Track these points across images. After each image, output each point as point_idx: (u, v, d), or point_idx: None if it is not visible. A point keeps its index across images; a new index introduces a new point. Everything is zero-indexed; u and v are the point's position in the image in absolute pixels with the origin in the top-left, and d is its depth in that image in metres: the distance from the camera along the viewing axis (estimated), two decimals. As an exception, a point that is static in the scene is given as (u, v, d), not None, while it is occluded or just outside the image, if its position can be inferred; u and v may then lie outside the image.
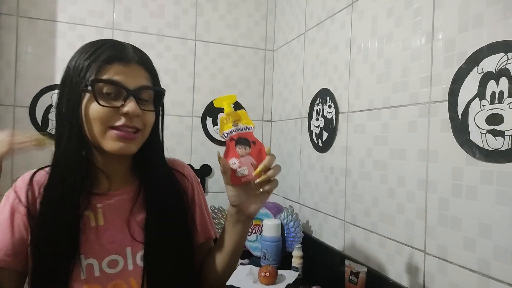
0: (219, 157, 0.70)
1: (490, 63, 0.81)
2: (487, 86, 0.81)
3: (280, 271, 1.38)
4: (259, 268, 1.36)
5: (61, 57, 1.64)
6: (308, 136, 1.62)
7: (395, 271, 1.09)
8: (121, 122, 0.67)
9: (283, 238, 1.57)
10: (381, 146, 1.15)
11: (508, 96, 0.77)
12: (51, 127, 1.62)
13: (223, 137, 0.70)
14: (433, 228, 0.96)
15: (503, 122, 0.78)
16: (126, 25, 1.76)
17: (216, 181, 1.92)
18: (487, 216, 0.82)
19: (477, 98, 0.83)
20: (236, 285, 1.27)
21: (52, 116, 1.62)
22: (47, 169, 0.73)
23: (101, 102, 0.66)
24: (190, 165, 1.62)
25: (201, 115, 1.91)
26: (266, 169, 0.68)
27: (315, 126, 1.56)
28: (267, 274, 1.30)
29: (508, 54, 0.77)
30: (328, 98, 1.46)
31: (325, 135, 1.47)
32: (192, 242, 0.82)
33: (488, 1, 0.83)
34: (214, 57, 1.93)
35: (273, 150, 2.01)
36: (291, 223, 1.58)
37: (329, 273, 1.36)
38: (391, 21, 1.13)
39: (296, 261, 1.43)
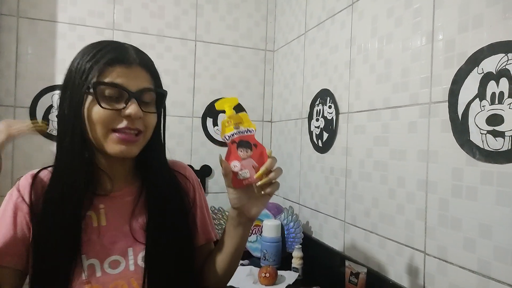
0: (220, 160, 0.70)
1: (490, 64, 0.81)
2: (487, 86, 0.81)
3: (280, 272, 1.38)
4: (259, 268, 1.36)
5: (61, 58, 1.65)
6: (308, 136, 1.62)
7: (395, 272, 1.09)
8: (123, 124, 0.68)
9: (283, 238, 1.57)
10: (381, 146, 1.15)
11: (508, 97, 0.77)
12: (51, 128, 1.63)
13: (224, 140, 0.70)
14: (433, 228, 0.95)
15: (503, 122, 0.78)
16: (126, 25, 1.76)
17: (216, 182, 1.92)
18: (487, 217, 0.82)
19: (477, 99, 0.83)
20: (236, 286, 1.27)
21: (52, 116, 1.62)
22: (50, 168, 0.74)
23: (103, 105, 0.66)
24: (190, 166, 1.62)
25: (201, 116, 1.91)
26: (268, 171, 0.68)
27: (315, 127, 1.56)
28: (267, 274, 1.30)
29: (508, 54, 0.77)
30: (328, 98, 1.46)
31: (325, 135, 1.47)
32: (193, 244, 0.82)
33: (488, 1, 0.83)
34: (214, 58, 1.94)
35: (273, 150, 2.01)
36: (291, 224, 1.58)
37: (329, 274, 1.35)
38: (391, 21, 1.13)
39: (296, 262, 1.43)
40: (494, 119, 0.79)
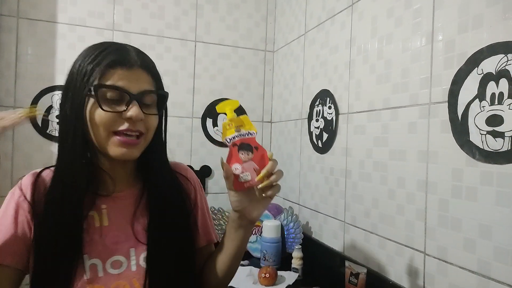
0: (222, 163, 0.70)
1: (490, 64, 0.81)
2: (487, 87, 0.81)
3: (280, 272, 1.38)
4: (259, 269, 1.36)
5: (61, 58, 1.64)
6: (308, 137, 1.62)
7: (395, 272, 1.09)
8: (124, 126, 0.68)
9: (283, 239, 1.57)
10: (381, 147, 1.15)
11: (508, 97, 0.77)
12: (51, 128, 1.63)
13: (225, 143, 0.70)
14: (433, 229, 0.96)
15: (503, 123, 0.78)
16: (126, 26, 1.76)
17: (216, 182, 1.92)
18: (487, 217, 0.82)
19: (477, 99, 0.83)
20: (236, 286, 1.27)
21: (52, 117, 1.63)
22: (52, 168, 0.74)
23: (104, 108, 0.66)
24: (190, 167, 1.62)
25: (201, 116, 1.91)
26: (269, 174, 0.69)
27: (315, 127, 1.56)
28: (267, 275, 1.30)
29: (508, 55, 0.77)
30: (328, 99, 1.46)
31: (325, 136, 1.47)
32: (194, 245, 0.82)
33: (488, 1, 0.83)
34: (214, 58, 1.94)
35: (273, 151, 2.01)
36: (291, 224, 1.58)
37: (329, 274, 1.35)
38: (391, 22, 1.13)
39: (296, 262, 1.43)
40: (494, 120, 0.80)
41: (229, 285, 0.86)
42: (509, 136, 0.77)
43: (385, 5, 1.16)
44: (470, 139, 0.85)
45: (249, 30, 2.00)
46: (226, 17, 1.95)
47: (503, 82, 0.78)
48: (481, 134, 0.82)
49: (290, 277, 1.38)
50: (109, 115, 0.67)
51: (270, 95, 2.06)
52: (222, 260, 0.80)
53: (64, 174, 0.70)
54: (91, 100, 0.67)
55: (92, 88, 0.66)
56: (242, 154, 0.70)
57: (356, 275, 1.12)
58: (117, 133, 0.68)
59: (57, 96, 1.63)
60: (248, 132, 0.70)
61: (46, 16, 1.63)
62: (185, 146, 1.88)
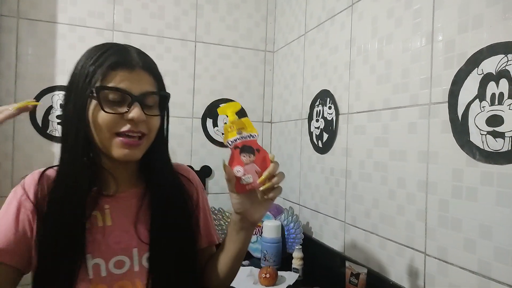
0: (224, 165, 0.70)
1: (490, 65, 0.81)
2: (487, 87, 0.81)
3: (280, 273, 1.38)
4: (259, 269, 1.36)
5: (62, 58, 1.64)
6: (308, 137, 1.62)
7: (395, 273, 1.09)
8: (126, 128, 0.68)
9: (283, 239, 1.57)
10: (381, 147, 1.15)
11: (508, 98, 0.77)
12: (52, 128, 1.63)
13: (227, 145, 0.71)
14: (434, 229, 0.96)
15: (503, 123, 0.78)
16: (126, 26, 1.76)
17: (216, 182, 1.92)
18: (488, 218, 0.82)
19: (477, 100, 0.83)
20: (236, 287, 1.27)
21: (52, 117, 1.63)
22: (56, 167, 0.74)
23: (106, 109, 0.67)
24: (191, 167, 1.62)
25: (201, 117, 1.91)
26: (271, 176, 0.69)
27: (315, 127, 1.56)
28: (267, 275, 1.30)
29: (508, 55, 0.77)
30: (328, 99, 1.46)
31: (325, 136, 1.47)
32: (196, 246, 0.83)
33: (488, 1, 0.83)
34: (214, 59, 1.94)
35: (273, 151, 2.02)
36: (291, 224, 1.58)
37: (330, 275, 1.35)
38: (391, 22, 1.13)
39: (296, 263, 1.43)
40: (494, 120, 0.79)
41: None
42: (509, 137, 0.77)
43: (385, 5, 1.16)
44: (471, 140, 0.85)
45: (249, 30, 2.00)
46: (226, 17, 1.95)
47: (503, 83, 0.78)
48: (482, 135, 0.82)
49: (290, 277, 1.38)
50: (111, 116, 0.67)
51: (270, 95, 2.06)
52: (223, 261, 0.81)
53: (67, 174, 0.70)
54: (93, 102, 0.68)
55: (94, 90, 0.66)
56: (244, 156, 0.70)
57: (357, 276, 1.12)
58: (119, 134, 0.69)
59: (57, 96, 1.63)
60: (250, 135, 0.70)
61: (46, 16, 1.63)
62: (185, 146, 1.88)
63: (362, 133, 1.25)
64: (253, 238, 1.63)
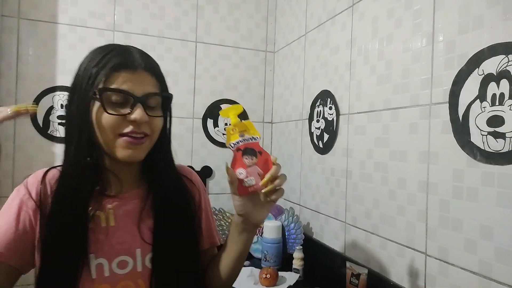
0: (227, 168, 0.71)
1: (490, 65, 0.81)
2: (488, 88, 0.81)
3: (281, 273, 1.38)
4: (259, 270, 1.36)
5: (62, 59, 1.65)
6: (308, 137, 1.62)
7: (396, 273, 1.09)
8: (128, 129, 0.69)
9: (284, 239, 1.57)
10: (381, 147, 1.15)
11: (509, 98, 0.77)
12: (52, 129, 1.63)
13: (229, 147, 0.71)
14: (434, 230, 0.95)
15: (504, 124, 0.78)
16: (127, 26, 1.76)
17: (216, 183, 1.92)
18: (488, 218, 0.82)
19: (478, 100, 0.83)
20: (236, 287, 1.27)
21: (53, 117, 1.63)
22: (59, 167, 0.75)
23: (109, 111, 0.67)
24: (191, 167, 1.62)
25: (201, 117, 1.91)
26: (273, 178, 0.69)
27: (315, 128, 1.56)
28: (268, 276, 1.30)
29: (509, 56, 0.77)
30: (328, 99, 1.46)
31: (326, 136, 1.47)
32: (199, 247, 0.83)
33: (488, 2, 0.83)
34: (215, 59, 1.94)
35: (274, 151, 2.02)
36: (292, 225, 1.58)
37: (330, 275, 1.35)
38: (392, 22, 1.13)
39: (297, 263, 1.43)
40: (495, 121, 0.79)
41: (230, 286, 0.87)
42: (510, 137, 0.77)
43: (386, 5, 1.16)
44: (471, 140, 0.85)
45: (249, 30, 2.00)
46: (226, 17, 1.96)
47: (504, 83, 0.78)
48: (482, 135, 0.82)
49: (291, 277, 1.38)
50: (114, 118, 0.68)
51: (270, 95, 2.06)
52: (225, 263, 0.81)
53: (70, 175, 0.70)
54: (97, 103, 0.68)
55: (97, 92, 0.67)
56: (246, 158, 0.70)
57: (357, 276, 1.12)
58: (122, 135, 0.69)
59: (58, 96, 1.63)
60: (252, 137, 0.71)
61: (47, 17, 1.63)
62: (186, 146, 1.88)
63: (363, 134, 1.25)
64: (254, 238, 1.63)
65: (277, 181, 0.69)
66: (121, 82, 0.68)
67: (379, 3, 1.19)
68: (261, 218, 0.76)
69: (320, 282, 1.33)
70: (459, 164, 0.89)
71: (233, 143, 0.71)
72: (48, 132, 1.62)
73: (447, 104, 0.92)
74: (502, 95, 0.78)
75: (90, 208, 0.70)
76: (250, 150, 0.70)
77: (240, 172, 0.70)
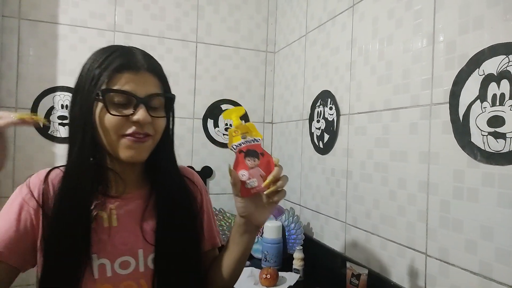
0: (230, 170, 0.71)
1: (491, 65, 0.81)
2: (488, 88, 0.81)
3: (281, 273, 1.38)
4: (260, 270, 1.36)
5: (63, 59, 1.65)
6: (309, 138, 1.62)
7: (396, 273, 1.09)
8: (131, 129, 0.69)
9: (284, 240, 1.57)
10: (382, 148, 1.15)
11: (509, 98, 0.77)
12: (53, 129, 1.63)
13: (232, 149, 0.72)
14: (435, 230, 0.95)
15: (504, 124, 0.78)
16: (128, 27, 1.77)
17: (217, 183, 1.92)
18: (489, 219, 0.82)
19: (479, 100, 0.83)
20: (236, 287, 1.27)
21: (53, 118, 1.63)
22: (62, 168, 0.75)
23: (112, 112, 0.68)
24: (191, 167, 1.62)
25: (202, 117, 1.91)
26: (275, 180, 0.70)
27: (316, 128, 1.56)
28: (268, 276, 1.30)
29: (509, 56, 0.77)
30: (329, 100, 1.46)
31: (326, 137, 1.47)
32: (200, 247, 0.83)
33: (488, 2, 0.83)
34: (215, 59, 1.94)
35: (274, 152, 2.02)
36: (292, 225, 1.58)
37: (330, 275, 1.35)
38: (392, 23, 1.13)
39: (297, 263, 1.42)
40: (495, 121, 0.79)
41: (230, 286, 0.87)
42: (510, 137, 0.77)
43: (386, 6, 1.16)
44: (472, 140, 0.85)
45: (250, 31, 2.00)
46: (227, 18, 1.96)
47: (505, 83, 0.78)
48: (483, 135, 0.82)
49: (291, 278, 1.38)
50: (117, 118, 0.68)
51: (271, 96, 2.06)
52: (227, 264, 0.81)
53: (73, 175, 0.71)
54: (100, 104, 0.68)
55: (100, 93, 0.67)
56: (249, 160, 0.71)
57: (357, 276, 1.12)
58: (125, 135, 0.69)
59: (58, 97, 1.63)
60: (254, 139, 0.71)
61: (48, 17, 1.63)
62: (186, 147, 1.88)
63: (363, 134, 1.25)
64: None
65: (279, 183, 0.70)
66: (124, 83, 0.68)
67: (380, 3, 1.19)
68: (263, 219, 0.76)
69: (320, 282, 1.33)
70: (460, 164, 0.89)
71: (235, 145, 0.71)
72: (49, 132, 1.62)
73: (448, 105, 0.92)
74: (502, 95, 0.78)
75: (92, 208, 0.70)
76: (252, 152, 0.71)
77: (243, 174, 0.71)
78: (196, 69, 1.90)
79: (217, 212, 1.71)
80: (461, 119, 0.88)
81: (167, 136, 0.79)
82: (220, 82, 1.95)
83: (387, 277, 1.12)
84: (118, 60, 0.69)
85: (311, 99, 1.61)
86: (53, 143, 1.63)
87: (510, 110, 0.77)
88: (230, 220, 1.70)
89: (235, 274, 0.83)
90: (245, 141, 0.71)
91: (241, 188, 0.71)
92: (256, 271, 1.40)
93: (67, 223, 0.68)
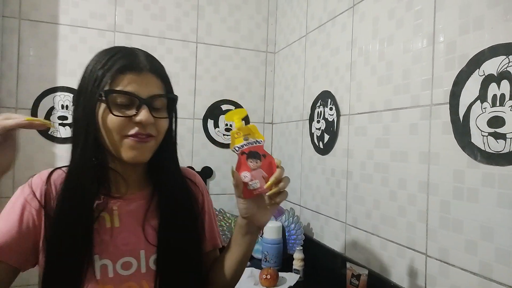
0: (232, 171, 0.71)
1: (491, 66, 0.81)
2: (489, 88, 0.81)
3: (281, 274, 1.38)
4: (260, 270, 1.36)
5: (63, 59, 1.65)
6: (309, 138, 1.62)
7: (396, 274, 1.09)
8: (134, 130, 0.69)
9: (284, 240, 1.57)
10: (382, 148, 1.15)
11: (510, 99, 0.77)
12: (53, 129, 1.63)
13: (234, 151, 0.72)
14: (435, 230, 0.95)
15: (504, 124, 0.78)
16: (128, 27, 1.77)
17: (217, 183, 1.92)
18: (489, 219, 0.82)
19: (479, 101, 0.83)
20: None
21: (54, 118, 1.63)
22: (64, 168, 0.75)
23: (115, 113, 0.68)
24: (191, 167, 1.62)
25: (202, 117, 1.91)
26: (277, 181, 0.70)
27: (316, 128, 1.56)
28: (268, 276, 1.30)
29: (510, 56, 0.77)
30: (329, 100, 1.46)
31: (326, 137, 1.47)
32: (202, 248, 0.84)
33: (489, 3, 0.83)
34: (216, 60, 1.94)
35: (274, 152, 2.02)
36: (292, 226, 1.58)
37: (330, 276, 1.35)
38: (392, 23, 1.13)
39: (297, 264, 1.42)
40: (496, 121, 0.79)
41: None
42: (510, 138, 0.77)
43: (386, 6, 1.16)
44: (472, 141, 0.85)
45: (250, 31, 2.00)
46: (227, 18, 1.96)
47: (505, 84, 0.78)
48: (483, 136, 0.82)
49: (291, 278, 1.38)
50: (120, 119, 0.68)
51: (271, 96, 2.06)
52: (228, 265, 0.81)
53: (76, 176, 0.71)
54: (103, 105, 0.69)
55: (103, 94, 0.67)
56: (251, 162, 0.71)
57: (358, 277, 1.12)
58: (128, 136, 0.70)
59: (58, 97, 1.64)
60: (256, 141, 0.72)
61: (48, 18, 1.63)
62: (186, 147, 1.88)
63: (363, 134, 1.25)
64: (254, 239, 1.63)
65: (281, 184, 0.70)
66: (127, 84, 0.68)
67: (380, 4, 1.19)
68: (265, 220, 0.77)
69: (320, 282, 1.33)
70: (460, 164, 0.89)
71: (237, 147, 0.71)
72: (49, 132, 1.62)
73: (448, 105, 0.92)
74: (502, 96, 0.78)
75: (95, 209, 0.71)
76: (254, 154, 0.71)
77: (245, 176, 0.71)
78: (196, 69, 1.90)
79: (217, 213, 1.71)
80: (461, 119, 0.88)
81: (170, 137, 0.80)
82: (220, 82, 1.95)
83: (387, 277, 1.12)
84: (121, 61, 0.69)
85: (311, 100, 1.61)
86: (53, 143, 1.63)
87: (510, 110, 0.77)
88: (230, 221, 1.70)
89: (237, 275, 0.83)
90: (247, 143, 0.71)
91: (243, 190, 0.72)
92: (256, 271, 1.40)
93: (69, 223, 0.68)
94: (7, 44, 1.57)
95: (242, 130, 0.72)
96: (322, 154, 1.51)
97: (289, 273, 1.42)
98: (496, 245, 0.80)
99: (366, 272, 1.12)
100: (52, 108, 1.63)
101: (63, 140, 1.63)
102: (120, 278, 0.71)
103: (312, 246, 1.51)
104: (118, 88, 0.68)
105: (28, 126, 0.63)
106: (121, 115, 0.68)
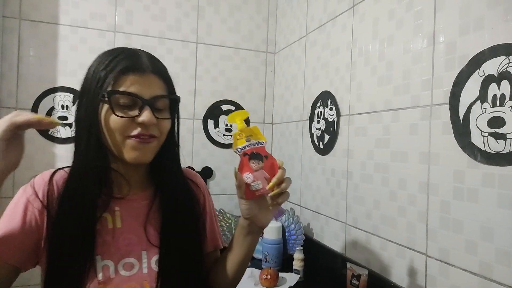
0: (235, 172, 0.72)
1: (491, 66, 0.81)
2: (489, 89, 0.81)
3: (281, 274, 1.38)
4: (260, 270, 1.36)
5: (63, 60, 1.65)
6: (309, 138, 1.62)
7: (396, 274, 1.09)
8: (137, 131, 0.69)
9: (284, 240, 1.57)
10: (382, 148, 1.15)
11: (510, 99, 0.77)
12: (53, 130, 1.63)
13: (236, 152, 0.72)
14: (435, 231, 0.95)
15: (504, 125, 0.78)
16: (128, 28, 1.77)
17: (217, 184, 1.92)
18: (489, 219, 0.82)
19: (479, 101, 0.84)
20: (237, 288, 1.27)
21: (54, 118, 1.63)
22: (67, 169, 0.75)
23: (117, 113, 0.68)
24: (192, 168, 1.62)
25: (202, 118, 1.91)
26: (279, 182, 0.70)
27: (316, 129, 1.56)
28: (268, 276, 1.30)
29: (510, 57, 0.77)
30: (329, 100, 1.46)
31: (327, 137, 1.47)
32: (203, 249, 0.84)
33: (489, 3, 0.83)
34: (216, 60, 1.94)
35: (275, 152, 2.02)
36: (292, 226, 1.58)
37: (331, 276, 1.35)
38: (392, 23, 1.13)
39: (297, 264, 1.42)
40: (496, 122, 0.80)
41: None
42: (510, 138, 0.77)
43: (386, 7, 1.16)
44: (472, 141, 0.85)
45: (250, 31, 2.01)
46: (227, 18, 1.96)
47: (505, 84, 0.78)
48: (483, 136, 0.82)
49: (291, 278, 1.38)
50: (123, 120, 0.68)
51: (271, 96, 2.06)
52: (229, 265, 0.82)
53: (78, 176, 0.71)
54: (105, 106, 0.69)
55: (105, 94, 0.68)
56: (253, 163, 0.71)
57: (358, 277, 1.12)
58: (130, 137, 0.70)
59: (59, 97, 1.64)
60: (258, 142, 0.72)
61: (48, 18, 1.63)
62: (186, 147, 1.88)
63: (363, 135, 1.25)
64: (254, 239, 1.63)
65: (283, 185, 0.70)
66: (129, 85, 0.68)
67: (380, 4, 1.19)
68: (267, 221, 0.77)
69: (320, 283, 1.33)
70: (460, 165, 0.89)
71: (240, 148, 0.71)
72: (49, 133, 1.62)
73: (448, 105, 0.92)
74: (502, 96, 0.78)
75: (97, 210, 0.71)
76: (256, 155, 0.72)
77: (247, 177, 0.71)
78: (196, 69, 1.90)
79: (217, 213, 1.71)
80: (461, 119, 0.88)
81: (172, 138, 0.80)
82: (220, 82, 1.95)
83: (387, 277, 1.12)
84: (124, 62, 0.69)
85: (311, 100, 1.61)
86: (53, 143, 1.63)
87: (510, 111, 0.77)
88: (230, 221, 1.70)
89: (238, 276, 0.84)
90: (250, 144, 0.72)
91: (245, 191, 0.72)
92: (257, 271, 1.40)
93: (71, 224, 0.68)
94: (7, 44, 1.57)
95: (244, 131, 0.72)
96: (322, 154, 1.51)
97: (289, 273, 1.42)
98: (496, 245, 0.80)
99: (366, 272, 1.12)
100: (52, 108, 1.63)
101: (63, 140, 1.63)
102: (121, 278, 0.71)
103: (312, 246, 1.51)
104: (121, 89, 0.68)
105: (37, 123, 0.63)
106: (123, 115, 0.68)
